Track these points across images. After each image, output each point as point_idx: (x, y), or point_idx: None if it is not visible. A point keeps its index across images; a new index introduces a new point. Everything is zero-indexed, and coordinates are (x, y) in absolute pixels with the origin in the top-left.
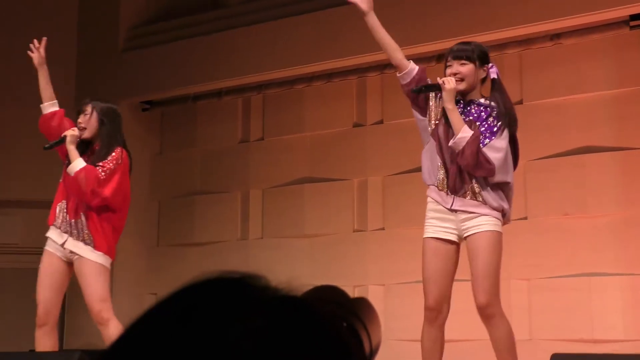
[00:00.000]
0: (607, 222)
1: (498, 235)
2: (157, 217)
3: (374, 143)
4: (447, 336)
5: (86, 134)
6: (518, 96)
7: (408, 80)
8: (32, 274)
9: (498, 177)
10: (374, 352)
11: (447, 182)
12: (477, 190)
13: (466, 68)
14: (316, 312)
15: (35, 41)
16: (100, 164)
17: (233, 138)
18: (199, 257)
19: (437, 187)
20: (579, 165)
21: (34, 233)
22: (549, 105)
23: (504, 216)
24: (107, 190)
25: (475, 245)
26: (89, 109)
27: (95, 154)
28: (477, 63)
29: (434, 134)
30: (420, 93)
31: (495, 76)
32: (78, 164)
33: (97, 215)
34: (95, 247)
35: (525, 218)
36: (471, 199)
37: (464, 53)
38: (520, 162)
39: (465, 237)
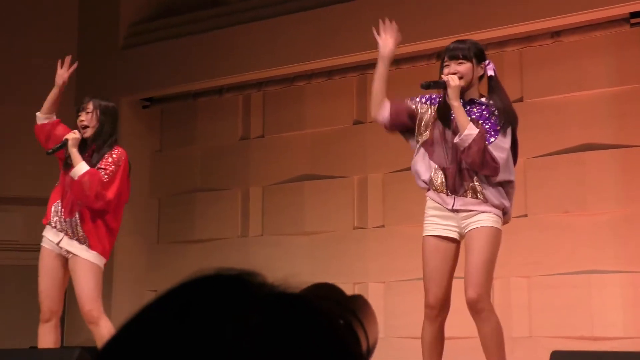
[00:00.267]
0: (607, 220)
1: (497, 232)
2: (157, 215)
3: (374, 140)
4: (447, 333)
5: (88, 133)
6: (518, 94)
7: (386, 114)
8: (32, 271)
9: (501, 176)
10: (371, 349)
11: (447, 183)
12: (478, 188)
13: (464, 67)
14: (313, 309)
15: (67, 60)
16: (102, 166)
17: (233, 135)
18: (199, 255)
19: (436, 190)
20: (579, 163)
21: (34, 230)
22: (550, 103)
23: (505, 214)
24: (111, 193)
25: (473, 240)
26: (90, 106)
27: (96, 153)
28: (474, 61)
29: (429, 140)
30: (429, 88)
31: (492, 73)
32: (82, 167)
33: (91, 215)
34: (90, 246)
35: (526, 215)
36: (472, 197)
37: (460, 52)
38: (520, 160)
39: (465, 233)
